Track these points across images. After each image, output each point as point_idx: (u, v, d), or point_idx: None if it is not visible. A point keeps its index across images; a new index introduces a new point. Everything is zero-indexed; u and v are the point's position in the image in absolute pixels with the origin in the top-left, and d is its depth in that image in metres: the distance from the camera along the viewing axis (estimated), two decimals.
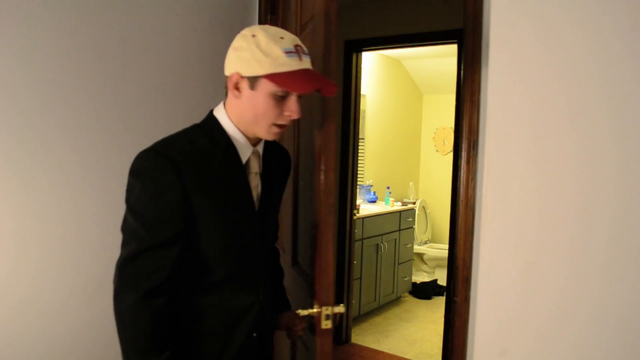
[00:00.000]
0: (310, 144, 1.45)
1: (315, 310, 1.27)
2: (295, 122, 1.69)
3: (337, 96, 1.22)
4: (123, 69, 1.79)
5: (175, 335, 1.14)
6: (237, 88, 1.13)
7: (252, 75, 1.09)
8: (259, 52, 1.07)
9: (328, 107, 1.25)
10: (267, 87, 1.09)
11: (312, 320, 1.32)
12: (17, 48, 1.53)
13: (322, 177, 1.25)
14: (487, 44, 1.56)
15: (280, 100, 1.11)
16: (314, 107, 1.38)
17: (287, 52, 1.08)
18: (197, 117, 1.24)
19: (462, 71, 1.64)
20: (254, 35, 1.09)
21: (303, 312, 1.31)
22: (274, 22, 2.13)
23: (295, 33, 1.65)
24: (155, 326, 1.08)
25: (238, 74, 1.11)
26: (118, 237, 1.12)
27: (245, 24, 2.17)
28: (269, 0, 2.17)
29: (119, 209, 1.14)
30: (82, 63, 1.68)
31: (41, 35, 1.57)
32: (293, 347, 1.66)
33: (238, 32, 1.15)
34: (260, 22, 2.20)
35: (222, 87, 1.17)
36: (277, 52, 1.07)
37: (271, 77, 1.08)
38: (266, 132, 1.16)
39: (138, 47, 1.83)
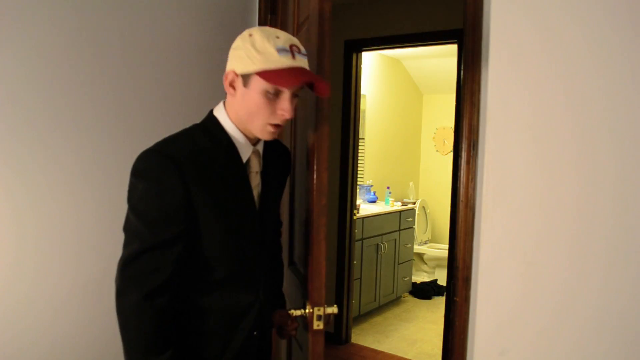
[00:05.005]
0: (305, 145, 1.44)
1: (307, 310, 1.26)
2: (292, 124, 1.69)
3: (330, 96, 1.23)
4: (123, 69, 1.79)
5: (178, 334, 1.15)
6: (232, 86, 1.15)
7: (244, 72, 1.11)
8: (252, 50, 1.09)
9: (322, 106, 1.25)
10: (258, 84, 1.10)
11: (305, 321, 1.30)
12: (16, 47, 1.53)
13: (314, 177, 1.25)
14: (487, 44, 1.57)
15: (272, 98, 1.12)
16: (308, 107, 1.38)
17: (280, 50, 1.09)
18: (197, 117, 1.24)
19: (462, 71, 1.64)
20: (250, 35, 1.11)
21: (296, 312, 1.31)
22: (273, 22, 2.13)
23: (292, 33, 1.66)
24: (158, 325, 1.09)
25: (233, 71, 1.13)
26: (118, 237, 1.12)
27: (245, 24, 2.17)
28: (269, 0, 2.17)
29: (119, 209, 1.14)
30: (82, 63, 1.68)
31: (40, 35, 1.58)
32: (289, 346, 1.65)
33: (238, 32, 1.16)
34: (260, 22, 2.20)
35: (222, 87, 1.18)
36: (270, 49, 1.08)
37: (261, 73, 1.09)
38: (261, 132, 1.17)
39: (138, 47, 1.83)
